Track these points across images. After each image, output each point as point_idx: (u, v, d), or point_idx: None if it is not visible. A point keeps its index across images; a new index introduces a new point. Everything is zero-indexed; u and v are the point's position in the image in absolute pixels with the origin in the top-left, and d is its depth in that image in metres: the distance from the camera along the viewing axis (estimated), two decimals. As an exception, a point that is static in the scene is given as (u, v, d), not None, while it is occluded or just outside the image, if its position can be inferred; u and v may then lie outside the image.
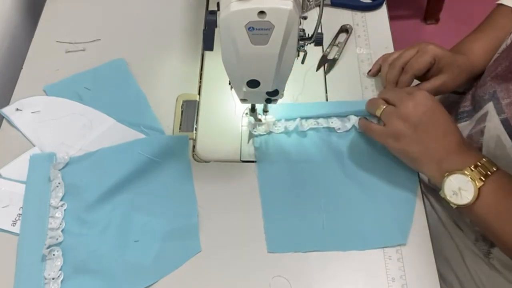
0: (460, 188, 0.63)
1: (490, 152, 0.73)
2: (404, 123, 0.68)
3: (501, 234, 0.62)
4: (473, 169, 0.63)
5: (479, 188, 0.62)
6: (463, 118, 0.81)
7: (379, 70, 0.82)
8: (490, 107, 0.73)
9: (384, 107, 0.70)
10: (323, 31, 0.65)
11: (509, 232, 0.62)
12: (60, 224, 0.69)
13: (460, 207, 0.64)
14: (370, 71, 0.83)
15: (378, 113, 0.71)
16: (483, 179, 0.62)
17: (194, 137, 0.79)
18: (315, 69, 0.87)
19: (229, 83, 0.68)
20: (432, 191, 0.85)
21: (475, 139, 0.76)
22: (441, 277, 0.68)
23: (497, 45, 0.78)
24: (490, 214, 0.62)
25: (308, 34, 0.62)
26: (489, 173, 0.62)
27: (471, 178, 0.62)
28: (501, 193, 0.62)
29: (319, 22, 0.61)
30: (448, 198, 0.64)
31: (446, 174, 0.64)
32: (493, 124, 0.72)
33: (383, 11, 0.94)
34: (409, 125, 0.68)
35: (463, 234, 0.78)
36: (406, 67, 0.76)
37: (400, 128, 0.68)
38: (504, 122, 0.69)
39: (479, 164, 0.63)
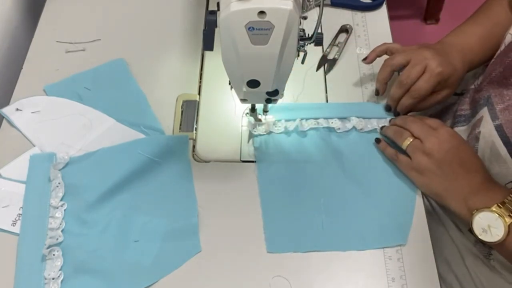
0: (490, 225, 0.63)
1: (485, 158, 0.73)
2: (429, 159, 0.69)
3: None
4: (501, 205, 0.63)
5: (509, 225, 0.62)
6: (460, 122, 0.81)
7: (375, 58, 0.82)
8: (484, 112, 0.73)
9: (411, 140, 0.71)
10: (323, 31, 0.66)
11: None
12: (60, 224, 0.69)
13: (492, 245, 0.64)
14: (366, 58, 0.82)
15: (404, 145, 0.72)
16: None
17: (194, 137, 0.79)
18: (315, 69, 0.87)
19: (229, 83, 0.68)
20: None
21: (470, 145, 0.76)
22: (441, 278, 0.68)
23: (493, 36, 0.78)
24: None
25: (308, 34, 0.62)
26: None
27: (499, 215, 0.62)
28: None
29: (319, 22, 0.61)
30: (478, 236, 0.64)
31: (474, 212, 0.64)
32: (488, 130, 0.72)
33: (383, 11, 0.94)
34: (433, 161, 0.69)
35: (463, 236, 0.77)
36: (412, 92, 0.75)
37: (425, 164, 0.69)
38: (498, 128, 0.70)
39: (506, 200, 0.63)
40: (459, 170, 0.68)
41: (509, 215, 0.62)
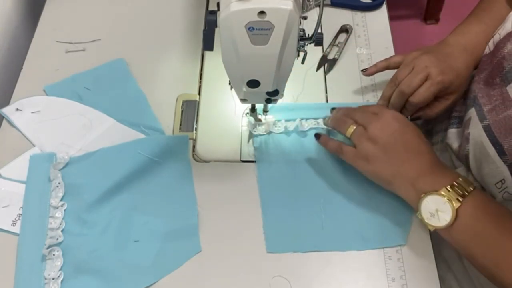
0: (438, 209, 0.62)
1: (476, 159, 0.73)
2: (373, 145, 0.67)
3: (479, 256, 0.61)
4: (449, 189, 0.62)
5: (457, 209, 0.61)
6: (454, 124, 0.81)
7: (375, 73, 0.81)
8: (472, 113, 0.73)
9: (355, 127, 0.70)
10: (323, 31, 0.66)
11: (487, 253, 0.60)
12: (60, 224, 0.69)
13: (438, 230, 0.63)
14: (366, 70, 0.81)
15: (348, 133, 0.70)
16: (460, 199, 0.61)
17: (194, 137, 0.79)
18: (315, 69, 0.87)
19: (229, 83, 0.68)
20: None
21: (463, 146, 0.76)
22: (440, 278, 0.68)
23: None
24: (468, 235, 0.61)
25: (308, 34, 0.62)
26: (466, 193, 0.61)
27: (448, 198, 0.61)
28: (479, 213, 0.61)
29: (319, 22, 0.61)
30: (426, 220, 0.63)
31: (422, 195, 0.63)
32: (477, 131, 0.71)
33: (383, 11, 0.94)
34: (378, 146, 0.67)
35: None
36: (413, 100, 0.74)
37: (370, 150, 0.67)
38: (486, 129, 0.69)
39: (455, 184, 0.62)
40: (405, 153, 0.66)
41: (458, 199, 0.61)
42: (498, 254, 0.60)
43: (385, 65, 0.80)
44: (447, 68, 0.74)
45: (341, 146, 0.71)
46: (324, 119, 0.77)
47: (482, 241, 0.61)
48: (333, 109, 0.76)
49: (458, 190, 0.62)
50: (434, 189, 0.62)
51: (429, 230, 0.69)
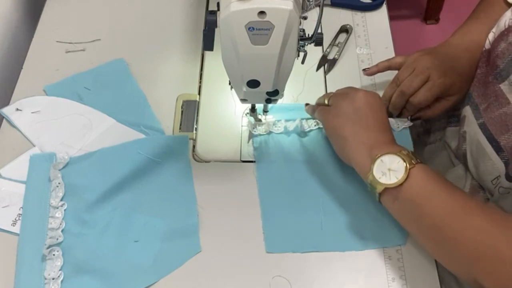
0: (390, 168, 0.62)
1: (473, 157, 0.73)
2: (348, 103, 0.69)
3: (428, 215, 0.60)
4: (403, 152, 0.63)
5: (409, 169, 0.61)
6: (453, 122, 0.81)
7: (376, 73, 0.82)
8: (467, 111, 0.73)
9: (336, 91, 0.73)
10: (323, 31, 0.65)
11: (439, 210, 0.60)
12: (60, 224, 0.69)
13: (386, 191, 0.63)
14: (367, 69, 0.82)
15: (326, 100, 0.73)
16: (413, 162, 0.62)
17: (194, 137, 0.79)
18: (315, 69, 0.87)
19: (229, 83, 0.68)
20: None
21: (460, 144, 0.76)
22: (440, 278, 0.68)
23: None
24: (418, 195, 0.61)
25: (308, 34, 0.62)
26: (419, 161, 0.63)
27: (402, 159, 0.62)
28: (430, 175, 0.62)
29: (319, 22, 0.61)
30: (377, 179, 0.63)
31: (378, 155, 0.63)
32: (472, 129, 0.72)
33: (383, 11, 0.94)
34: (353, 106, 0.69)
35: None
36: (414, 100, 0.75)
37: (343, 106, 0.69)
38: (482, 126, 0.70)
39: (409, 153, 0.63)
40: (373, 123, 0.68)
41: (411, 162, 0.62)
42: (451, 210, 0.59)
43: (387, 66, 0.80)
44: (449, 70, 0.74)
45: (317, 106, 0.74)
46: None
47: (434, 199, 0.61)
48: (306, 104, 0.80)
49: (412, 157, 0.63)
50: (390, 152, 0.63)
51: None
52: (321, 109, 0.73)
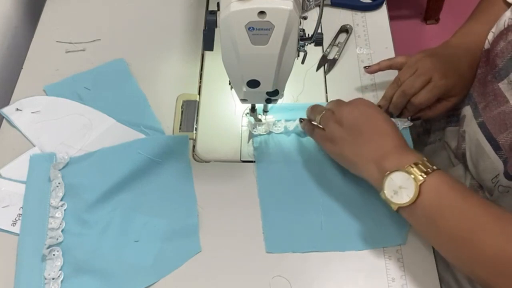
0: (401, 186, 0.61)
1: (472, 156, 0.73)
2: (339, 126, 0.68)
3: (446, 230, 0.59)
4: (413, 166, 0.61)
5: (420, 185, 0.60)
6: (453, 122, 0.80)
7: (377, 71, 0.82)
8: (467, 110, 0.73)
9: (324, 112, 0.71)
10: (323, 31, 0.65)
11: (457, 225, 0.59)
12: (60, 224, 0.69)
13: (401, 209, 0.62)
14: (368, 67, 0.82)
15: (317, 119, 0.72)
16: (424, 176, 0.60)
17: (194, 137, 0.79)
18: (315, 69, 0.87)
19: (229, 83, 0.68)
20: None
21: (460, 145, 0.76)
22: (440, 278, 0.68)
23: None
24: (432, 210, 0.60)
25: (308, 34, 0.62)
26: (429, 170, 0.61)
27: (412, 175, 0.60)
28: (443, 189, 0.60)
29: (319, 22, 0.61)
30: (389, 199, 0.62)
31: (387, 173, 0.62)
32: (472, 129, 0.72)
33: (383, 11, 0.94)
34: (344, 128, 0.68)
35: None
36: (415, 101, 0.75)
37: (337, 131, 0.68)
38: (481, 125, 0.70)
39: (419, 162, 0.61)
40: (369, 134, 0.66)
41: (421, 176, 0.60)
42: (470, 223, 0.58)
43: (388, 65, 0.80)
44: (451, 71, 0.74)
45: (313, 127, 0.73)
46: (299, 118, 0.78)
47: (442, 219, 0.59)
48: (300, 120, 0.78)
49: (422, 168, 0.61)
50: (398, 167, 0.62)
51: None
52: (317, 134, 0.72)
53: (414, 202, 0.60)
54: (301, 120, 0.77)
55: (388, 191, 0.62)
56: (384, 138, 0.66)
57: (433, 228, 0.61)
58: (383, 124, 0.67)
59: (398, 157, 0.63)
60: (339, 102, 0.72)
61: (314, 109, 0.74)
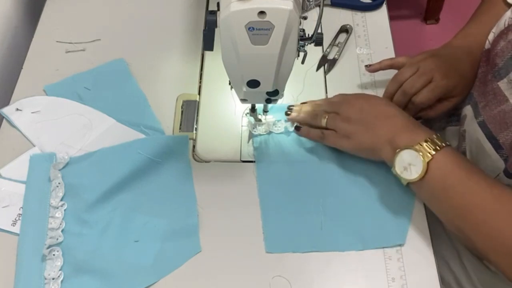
0: (410, 163, 0.65)
1: (473, 156, 0.73)
2: (348, 123, 0.71)
3: (446, 209, 0.64)
4: (422, 144, 0.64)
5: (428, 163, 0.63)
6: (453, 121, 0.80)
7: (378, 70, 0.82)
8: (468, 110, 0.74)
9: (328, 116, 0.74)
10: (323, 31, 0.65)
11: (452, 207, 0.63)
12: (60, 224, 0.69)
13: (411, 184, 0.66)
14: (370, 66, 0.82)
15: (324, 122, 0.74)
16: (432, 153, 0.64)
17: (194, 137, 0.79)
18: (315, 69, 0.87)
19: (229, 83, 0.68)
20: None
21: (460, 144, 0.76)
22: (440, 278, 0.68)
23: None
24: (436, 189, 0.64)
25: (308, 34, 0.62)
26: (438, 148, 0.64)
27: (420, 153, 0.64)
28: (448, 167, 0.64)
29: (319, 22, 0.61)
30: (399, 174, 0.66)
31: (398, 150, 0.66)
32: (472, 128, 0.72)
33: (383, 11, 0.94)
34: (354, 122, 0.71)
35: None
36: (416, 100, 0.75)
37: (348, 127, 0.71)
38: (481, 124, 0.70)
39: (429, 139, 0.65)
40: (377, 120, 0.70)
41: (429, 153, 0.63)
42: (463, 207, 0.62)
43: (389, 64, 0.81)
44: (452, 71, 0.75)
45: (322, 132, 0.75)
46: (296, 125, 0.78)
47: (449, 194, 0.63)
48: (287, 111, 0.78)
49: (431, 145, 0.64)
50: (409, 144, 0.65)
51: (429, 231, 0.70)
52: (330, 137, 0.74)
53: (422, 178, 0.64)
54: (297, 128, 0.78)
55: (398, 167, 0.66)
56: (393, 119, 0.69)
57: (439, 202, 0.65)
58: (387, 108, 0.71)
59: (409, 135, 0.67)
60: (333, 103, 0.75)
61: (311, 117, 0.76)
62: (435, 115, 0.78)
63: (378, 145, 0.69)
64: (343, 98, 0.74)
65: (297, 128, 0.78)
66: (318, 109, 0.76)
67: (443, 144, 0.64)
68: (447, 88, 0.75)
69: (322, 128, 0.74)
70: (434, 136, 0.65)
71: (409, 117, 0.70)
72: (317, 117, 0.75)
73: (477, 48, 0.77)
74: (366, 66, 0.83)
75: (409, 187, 0.68)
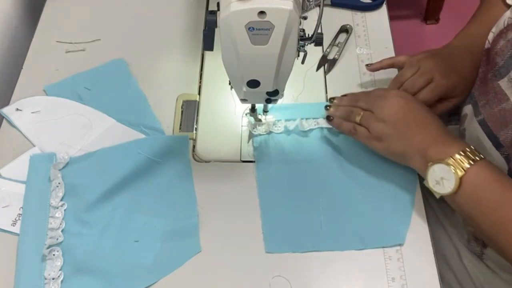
0: (443, 177, 0.64)
1: None
2: (384, 124, 0.70)
3: (479, 223, 0.63)
4: (455, 158, 0.64)
5: (461, 178, 0.63)
6: (454, 120, 0.81)
7: (379, 69, 0.82)
8: (468, 109, 0.74)
9: (362, 113, 0.72)
10: (323, 31, 0.65)
11: (486, 220, 0.63)
12: (60, 224, 0.69)
13: (444, 197, 0.65)
14: (370, 65, 0.82)
15: (358, 119, 0.73)
16: (465, 168, 0.63)
17: (194, 137, 0.79)
18: (315, 69, 0.87)
19: (229, 83, 0.68)
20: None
21: None
22: (440, 278, 0.68)
23: None
24: (470, 203, 0.64)
25: (308, 34, 0.62)
26: (471, 162, 0.63)
27: (453, 167, 0.63)
28: (481, 182, 0.63)
29: (319, 22, 0.61)
30: (432, 188, 0.65)
31: (430, 164, 0.65)
32: (472, 127, 0.72)
33: (383, 11, 0.94)
34: (388, 124, 0.70)
35: (458, 232, 0.78)
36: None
37: (382, 129, 0.70)
38: (481, 123, 0.70)
39: (462, 153, 0.64)
40: (414, 127, 0.69)
41: (462, 168, 0.63)
42: (496, 221, 0.62)
43: (390, 63, 0.81)
44: (452, 72, 0.75)
45: (355, 127, 0.74)
46: (328, 115, 0.77)
47: (482, 209, 0.63)
48: (328, 105, 0.78)
49: (465, 159, 0.64)
50: (442, 158, 0.64)
51: (429, 231, 0.70)
52: (361, 134, 0.73)
53: (455, 192, 0.63)
54: (329, 117, 0.77)
55: (430, 181, 0.65)
56: (428, 129, 0.69)
57: (473, 216, 0.64)
58: (425, 115, 0.70)
59: (441, 147, 0.66)
60: (371, 98, 0.73)
61: (346, 113, 0.75)
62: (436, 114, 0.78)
63: (409, 153, 0.69)
64: (382, 95, 0.73)
65: (328, 118, 0.77)
66: (355, 104, 0.75)
67: (477, 158, 0.63)
68: (447, 88, 0.75)
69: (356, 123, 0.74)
70: (468, 149, 0.64)
71: (445, 127, 0.69)
72: (352, 113, 0.74)
73: (477, 49, 0.77)
74: (366, 65, 0.83)
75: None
